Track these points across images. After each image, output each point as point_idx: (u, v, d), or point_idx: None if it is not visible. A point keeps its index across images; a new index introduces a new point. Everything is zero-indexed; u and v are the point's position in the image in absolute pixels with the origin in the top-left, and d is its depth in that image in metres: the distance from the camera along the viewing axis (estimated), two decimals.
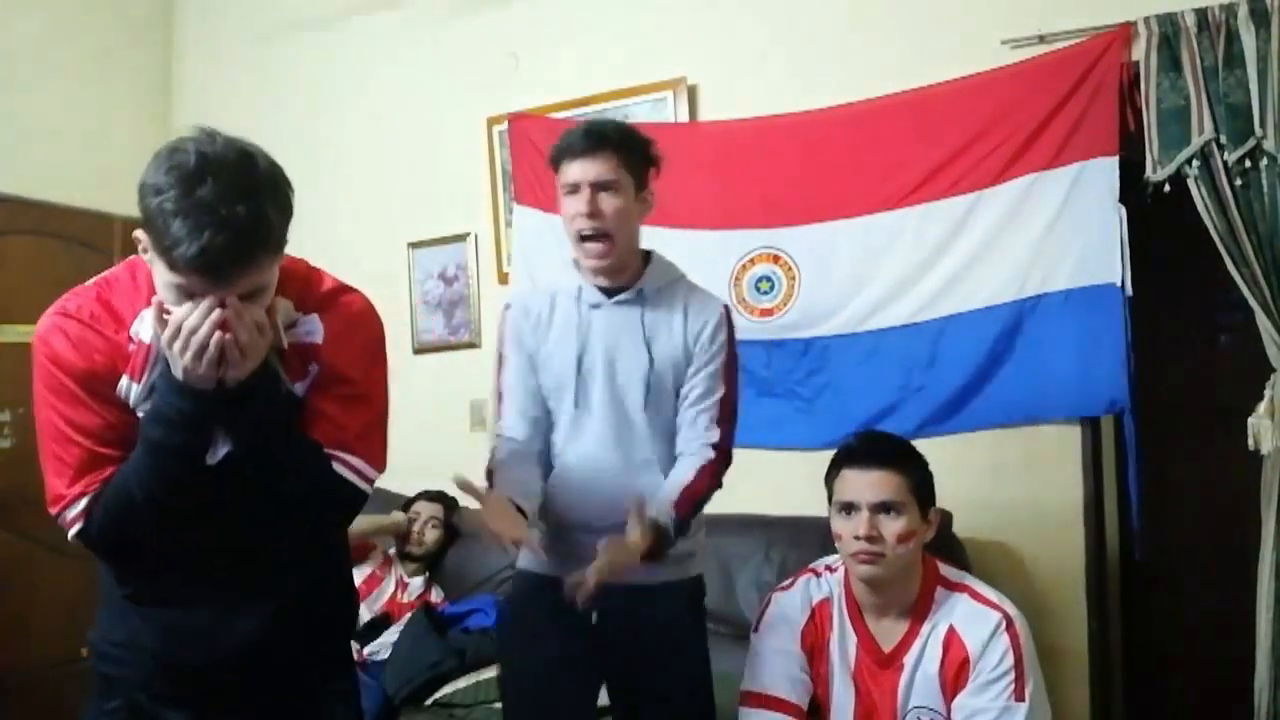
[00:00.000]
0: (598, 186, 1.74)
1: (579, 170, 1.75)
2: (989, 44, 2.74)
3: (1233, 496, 2.76)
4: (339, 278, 1.49)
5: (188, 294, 1.22)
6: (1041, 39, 2.69)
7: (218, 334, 1.21)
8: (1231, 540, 2.74)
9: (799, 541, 2.72)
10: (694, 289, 1.87)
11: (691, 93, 3.19)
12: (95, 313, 1.33)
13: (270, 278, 1.28)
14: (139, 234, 1.25)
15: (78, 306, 1.34)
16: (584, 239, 1.76)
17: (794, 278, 2.96)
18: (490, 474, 1.75)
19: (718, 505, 2.81)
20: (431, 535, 3.21)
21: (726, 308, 1.86)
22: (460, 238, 3.58)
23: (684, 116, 3.17)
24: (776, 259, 2.99)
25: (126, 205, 4.68)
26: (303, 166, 4.62)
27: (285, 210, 1.26)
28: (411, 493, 3.29)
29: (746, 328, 3.00)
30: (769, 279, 2.99)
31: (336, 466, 1.39)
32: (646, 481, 1.74)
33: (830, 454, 1.82)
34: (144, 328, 1.31)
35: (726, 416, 1.80)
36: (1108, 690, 2.89)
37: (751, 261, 3.01)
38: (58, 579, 3.76)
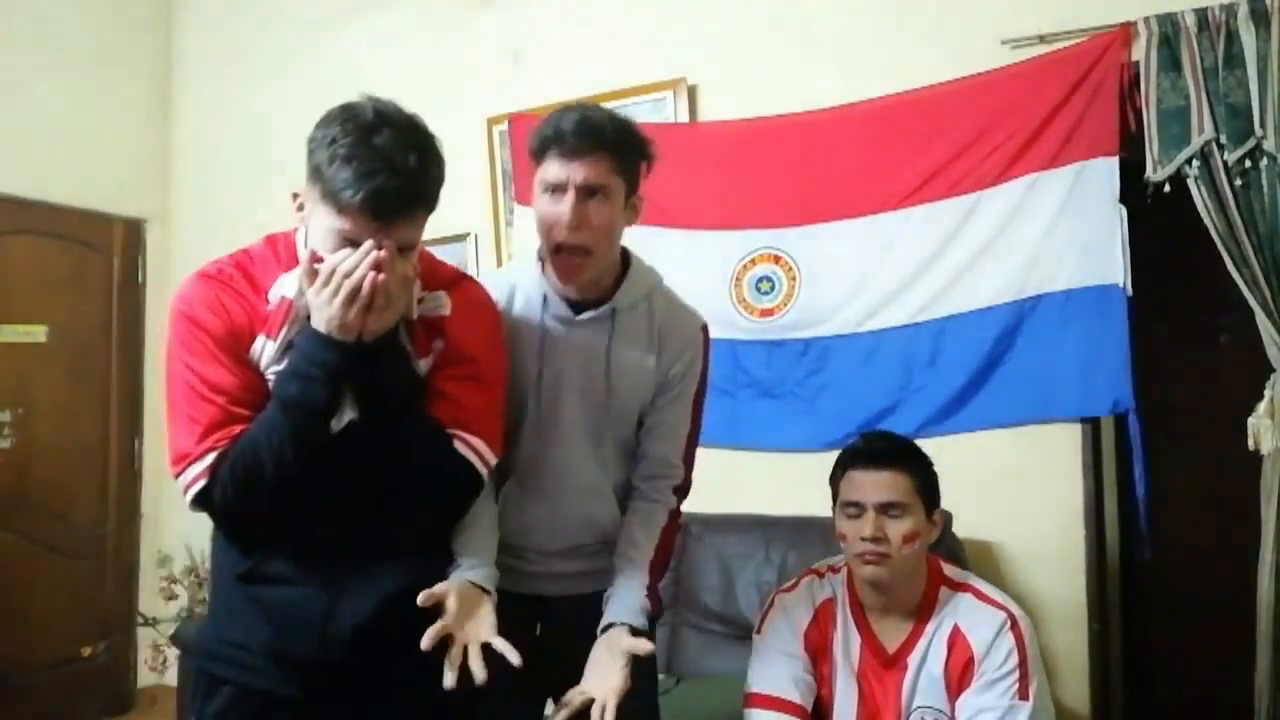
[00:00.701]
0: (586, 192, 1.50)
1: (565, 170, 1.49)
2: (989, 44, 2.75)
3: (1233, 496, 2.76)
4: None
5: (347, 240, 1.28)
6: (1041, 39, 2.69)
7: (372, 275, 1.26)
8: (1231, 540, 2.74)
9: (799, 541, 2.72)
10: (672, 305, 1.68)
11: (691, 93, 3.19)
12: (235, 276, 1.38)
13: (419, 236, 1.35)
14: (298, 191, 1.34)
15: (218, 270, 1.39)
16: (559, 250, 1.53)
17: (794, 278, 2.96)
18: None
19: (718, 505, 2.84)
20: None
21: (705, 329, 1.69)
22: (460, 238, 3.58)
23: (684, 116, 3.17)
24: (777, 259, 2.99)
25: (126, 205, 4.69)
26: (303, 167, 4.59)
27: (442, 173, 1.35)
28: None
29: (746, 328, 3.01)
30: (769, 279, 3.00)
31: (457, 445, 1.40)
32: (597, 508, 1.65)
33: (830, 454, 1.82)
34: (284, 288, 1.35)
35: (691, 453, 1.69)
36: (1108, 690, 2.89)
37: (752, 262, 3.01)
38: (58, 579, 3.78)
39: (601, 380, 1.60)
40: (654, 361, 1.62)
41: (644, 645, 1.50)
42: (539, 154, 1.53)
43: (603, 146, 1.50)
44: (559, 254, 1.54)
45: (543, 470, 1.63)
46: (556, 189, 1.51)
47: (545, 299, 1.61)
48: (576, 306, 1.60)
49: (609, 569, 1.61)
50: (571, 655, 1.53)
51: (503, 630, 1.42)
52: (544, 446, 1.62)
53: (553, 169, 1.51)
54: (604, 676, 1.47)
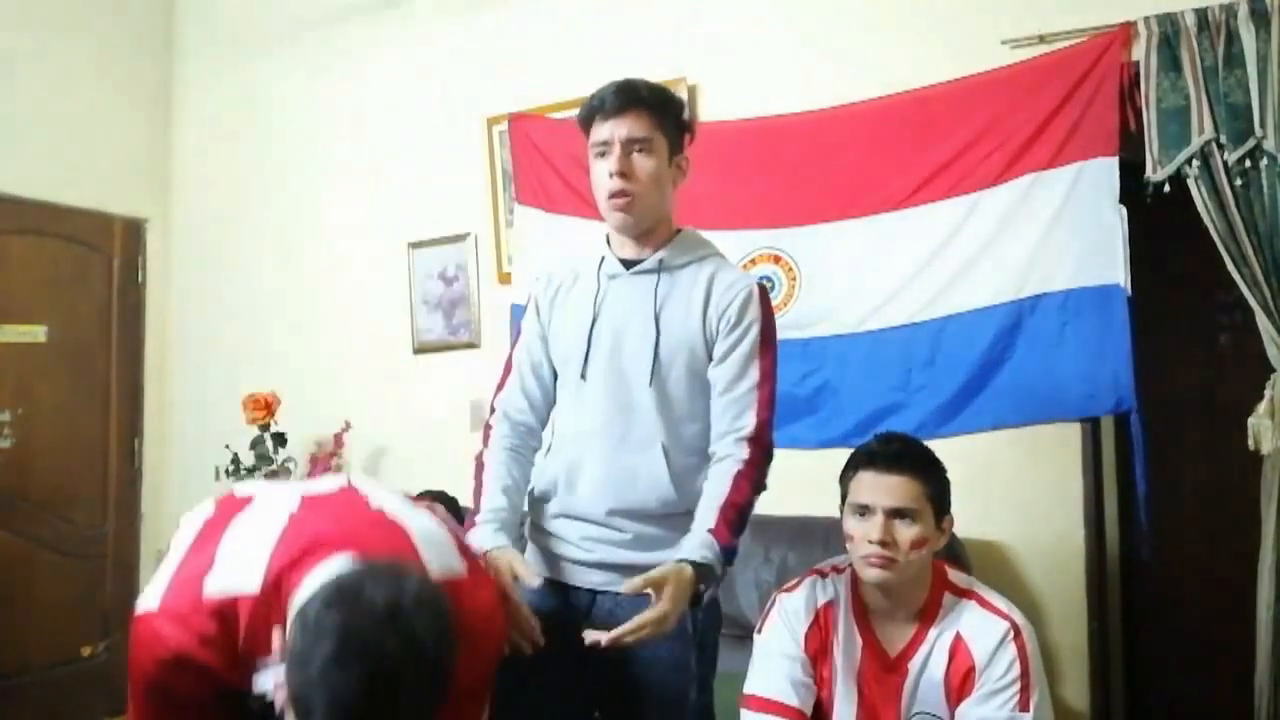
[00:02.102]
0: (630, 145, 1.64)
1: (610, 129, 1.64)
2: (989, 44, 2.75)
3: (1233, 496, 2.76)
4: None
5: None
6: (1041, 39, 2.69)
7: None
8: (1231, 540, 2.74)
9: (799, 541, 2.72)
10: (725, 265, 1.76)
11: (691, 93, 3.19)
12: (208, 638, 1.31)
13: None
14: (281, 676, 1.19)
15: (199, 639, 1.31)
16: (611, 196, 1.66)
17: (794, 278, 2.96)
18: (480, 466, 1.78)
19: None
20: None
21: (761, 285, 1.73)
22: (460, 238, 3.58)
23: None
24: (777, 259, 2.98)
25: (126, 205, 4.70)
26: (303, 167, 4.61)
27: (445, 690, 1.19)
28: (413, 492, 3.29)
29: None
30: (770, 279, 2.99)
31: None
32: (643, 463, 1.65)
33: (829, 453, 1.81)
34: (271, 692, 1.24)
35: (764, 403, 1.66)
36: (1108, 690, 2.89)
37: (752, 262, 3.00)
38: (58, 579, 3.78)
39: (651, 325, 1.67)
40: (701, 310, 1.68)
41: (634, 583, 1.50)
42: (586, 123, 1.69)
43: (640, 104, 1.65)
44: (610, 199, 1.67)
45: (589, 419, 1.69)
46: (604, 149, 1.66)
47: (602, 260, 1.75)
48: (630, 265, 1.72)
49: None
50: (618, 669, 1.52)
51: (547, 626, 1.50)
52: (593, 396, 1.69)
53: (599, 131, 1.67)
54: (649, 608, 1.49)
